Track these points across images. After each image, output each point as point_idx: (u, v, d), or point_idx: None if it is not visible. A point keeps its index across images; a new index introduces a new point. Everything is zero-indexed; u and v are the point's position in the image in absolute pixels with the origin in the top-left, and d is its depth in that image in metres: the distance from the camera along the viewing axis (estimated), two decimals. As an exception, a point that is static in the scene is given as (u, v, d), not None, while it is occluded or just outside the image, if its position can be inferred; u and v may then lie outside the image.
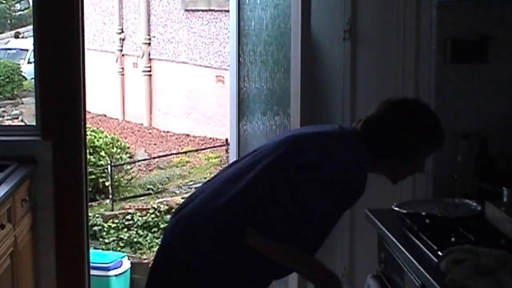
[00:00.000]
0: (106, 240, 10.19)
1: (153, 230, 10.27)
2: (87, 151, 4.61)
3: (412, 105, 2.73)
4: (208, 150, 13.49)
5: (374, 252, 3.07)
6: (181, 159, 13.22)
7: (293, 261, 2.70)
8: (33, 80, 4.64)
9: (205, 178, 10.93)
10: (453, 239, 2.53)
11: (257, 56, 5.11)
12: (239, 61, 5.45)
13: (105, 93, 15.68)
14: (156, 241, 9.85)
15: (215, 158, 13.07)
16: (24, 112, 13.19)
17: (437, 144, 2.73)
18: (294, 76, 4.01)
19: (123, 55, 16.11)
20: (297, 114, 3.94)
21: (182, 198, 10.15)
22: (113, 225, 10.48)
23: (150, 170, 13.01)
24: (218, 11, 13.77)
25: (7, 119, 13.08)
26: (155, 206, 10.85)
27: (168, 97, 15.00)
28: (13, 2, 16.25)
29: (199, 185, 3.23)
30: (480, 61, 3.20)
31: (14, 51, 15.26)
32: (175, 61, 14.85)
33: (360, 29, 3.95)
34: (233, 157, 5.74)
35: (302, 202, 2.55)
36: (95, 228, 10.22)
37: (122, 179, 11.99)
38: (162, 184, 12.24)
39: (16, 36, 15.51)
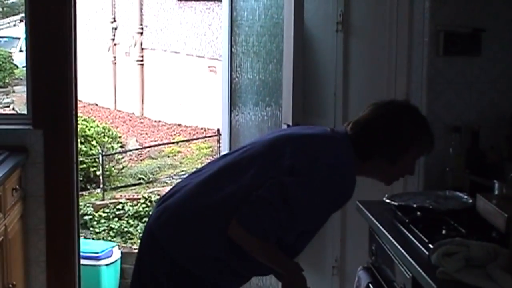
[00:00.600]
0: (97, 230, 10.17)
1: (143, 220, 10.24)
2: (78, 140, 4.59)
3: (400, 107, 2.73)
4: (200, 140, 13.48)
5: (365, 244, 3.07)
6: (172, 149, 13.21)
7: (269, 259, 2.68)
8: (24, 69, 4.62)
9: (196, 168, 10.91)
10: (444, 231, 2.54)
11: (249, 46, 5.10)
12: (231, 51, 5.44)
13: (97, 82, 15.65)
14: (147, 231, 9.82)
15: (206, 148, 13.06)
16: (16, 101, 13.16)
17: (425, 146, 2.73)
18: (286, 67, 4.00)
19: (115, 44, 16.08)
20: (289, 105, 3.93)
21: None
22: (104, 215, 10.46)
23: (141, 160, 13.00)
24: (211, 1, 13.76)
25: (-2, 108, 13.05)
26: (146, 196, 10.84)
27: (160, 87, 14.98)
28: (5, -10, 16.20)
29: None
30: (473, 54, 3.20)
31: (5, 39, 15.22)
32: (167, 50, 14.83)
33: (353, 21, 3.95)
34: (224, 147, 5.74)
35: (288, 203, 2.55)
36: (86, 217, 10.20)
37: (113, 168, 11.97)
38: (153, 174, 12.23)
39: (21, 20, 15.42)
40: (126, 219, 10.43)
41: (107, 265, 7.87)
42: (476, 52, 3.20)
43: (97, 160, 11.63)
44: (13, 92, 13.66)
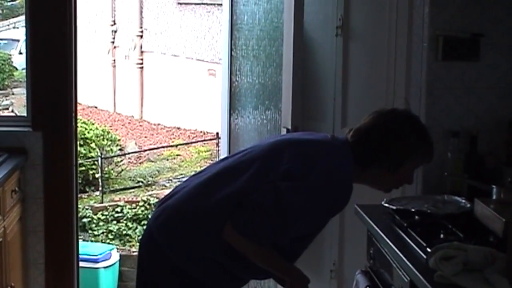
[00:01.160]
0: (95, 232, 10.18)
1: (142, 222, 10.25)
2: (78, 142, 4.60)
3: (401, 116, 2.74)
4: (199, 143, 13.49)
5: (363, 248, 3.08)
6: (171, 152, 13.22)
7: (267, 263, 2.69)
8: (23, 71, 4.64)
9: (195, 171, 10.92)
10: (442, 235, 2.54)
11: (249, 50, 5.11)
12: (231, 55, 5.45)
13: (97, 85, 15.65)
14: (146, 234, 9.81)
15: (205, 151, 13.06)
16: (15, 103, 13.15)
17: (425, 156, 2.73)
18: (286, 71, 4.01)
19: (115, 47, 16.08)
20: (288, 109, 3.94)
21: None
22: (103, 217, 10.46)
23: (140, 163, 13.00)
24: (211, 4, 13.76)
25: (-3, 110, 13.04)
26: (144, 198, 10.84)
27: (160, 90, 14.98)
28: (4, -7, 16.20)
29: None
30: (472, 59, 3.21)
31: (5, 41, 15.21)
32: (167, 54, 14.83)
33: (352, 25, 3.96)
34: (223, 151, 5.75)
35: (283, 208, 2.55)
36: (85, 220, 10.21)
37: (112, 171, 11.97)
38: (152, 177, 12.23)
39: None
40: (124, 222, 10.43)
41: (105, 267, 7.88)
42: (475, 57, 3.21)
43: (96, 162, 11.64)
44: (12, 94, 13.65)
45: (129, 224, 10.37)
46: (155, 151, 13.34)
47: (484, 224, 2.60)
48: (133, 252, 9.20)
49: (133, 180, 12.10)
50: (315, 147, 2.72)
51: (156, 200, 10.67)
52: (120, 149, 13.11)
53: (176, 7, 14.59)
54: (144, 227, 3.12)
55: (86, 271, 6.99)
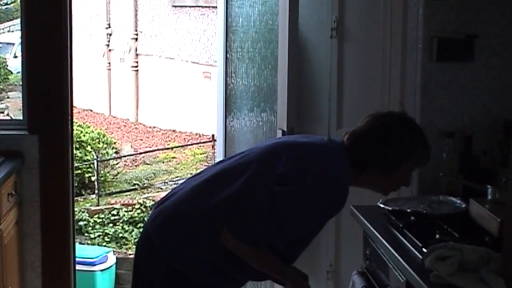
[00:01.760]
0: (92, 235, 10.17)
1: (138, 225, 10.25)
2: (74, 146, 4.60)
3: (397, 119, 2.74)
4: (195, 146, 13.48)
5: (359, 249, 3.08)
6: (167, 155, 13.21)
7: (264, 266, 2.70)
8: (19, 74, 4.64)
9: (191, 174, 10.92)
10: (437, 236, 2.55)
11: (244, 52, 5.12)
12: (226, 57, 5.45)
13: (92, 88, 15.63)
14: (142, 236, 9.81)
15: (201, 154, 13.06)
16: (10, 107, 13.13)
17: (421, 159, 2.73)
18: (281, 73, 4.02)
19: (110, 50, 16.08)
20: (284, 110, 3.94)
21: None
22: (99, 220, 10.46)
23: (136, 166, 12.99)
24: (206, 7, 13.77)
25: (-8, 113, 13.02)
26: (140, 201, 10.84)
27: (155, 93, 14.98)
28: (-1, -4, 16.17)
29: (185, 180, 3.24)
30: (466, 60, 3.22)
31: (0, 45, 15.19)
32: (162, 56, 14.83)
33: (347, 27, 3.97)
34: (219, 153, 5.74)
35: (279, 212, 2.56)
36: (81, 223, 10.20)
37: (108, 174, 11.96)
38: (148, 180, 12.23)
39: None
40: (121, 224, 10.43)
41: (102, 270, 7.88)
42: (469, 58, 3.22)
43: (92, 165, 11.63)
44: (8, 98, 13.64)
45: (126, 227, 10.37)
46: (150, 153, 13.34)
47: (480, 224, 2.61)
48: (130, 254, 9.20)
49: (129, 183, 12.10)
50: (311, 150, 2.73)
51: (152, 202, 10.66)
52: (115, 152, 13.10)
53: (171, 10, 14.58)
54: (141, 229, 3.13)
55: (83, 274, 6.98)
